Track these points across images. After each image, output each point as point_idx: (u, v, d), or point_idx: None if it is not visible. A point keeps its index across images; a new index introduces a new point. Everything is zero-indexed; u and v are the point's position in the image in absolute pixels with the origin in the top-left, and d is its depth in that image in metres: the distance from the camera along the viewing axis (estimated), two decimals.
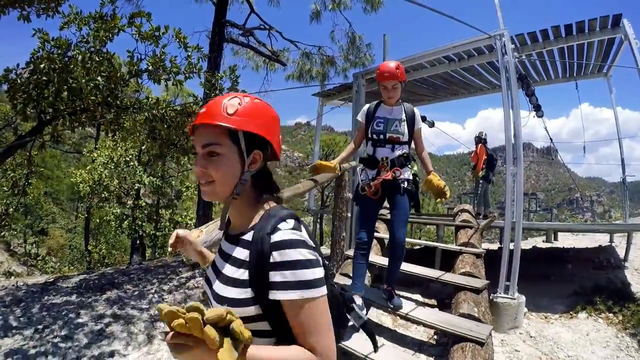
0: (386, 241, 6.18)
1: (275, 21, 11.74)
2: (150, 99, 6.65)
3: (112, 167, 13.10)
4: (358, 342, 3.58)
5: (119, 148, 13.27)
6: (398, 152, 3.81)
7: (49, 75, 5.45)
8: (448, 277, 4.95)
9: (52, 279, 7.21)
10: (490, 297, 5.06)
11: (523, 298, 5.28)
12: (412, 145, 3.99)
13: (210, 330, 0.88)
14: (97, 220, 16.96)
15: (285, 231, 1.10)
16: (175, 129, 6.65)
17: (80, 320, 5.16)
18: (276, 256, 1.06)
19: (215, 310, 0.92)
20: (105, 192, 13.23)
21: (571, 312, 5.81)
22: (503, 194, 6.70)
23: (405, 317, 4.14)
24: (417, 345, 4.43)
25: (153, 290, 6.38)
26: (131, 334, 4.96)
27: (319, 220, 17.53)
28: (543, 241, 11.25)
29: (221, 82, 6.91)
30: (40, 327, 4.92)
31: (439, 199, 3.85)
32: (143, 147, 11.68)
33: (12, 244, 23.29)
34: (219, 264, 1.26)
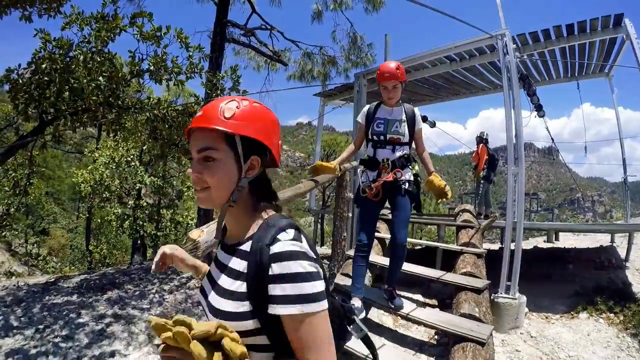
0: (387, 241, 6.18)
1: (277, 21, 11.73)
2: (151, 99, 6.65)
3: (114, 167, 13.11)
4: (359, 342, 3.58)
5: (121, 148, 13.28)
6: (399, 153, 3.80)
7: (50, 75, 5.45)
8: (449, 277, 4.94)
9: (53, 279, 7.22)
10: (491, 297, 5.05)
11: (524, 298, 5.28)
12: (413, 145, 3.97)
13: (195, 347, 0.87)
14: (98, 220, 16.96)
15: (285, 242, 1.05)
16: (177, 129, 6.64)
17: (81, 320, 5.17)
18: (276, 268, 1.01)
19: (203, 325, 0.92)
20: (106, 192, 13.24)
21: (572, 312, 5.80)
22: (504, 194, 6.71)
23: (406, 317, 4.14)
24: (418, 346, 4.43)
25: (154, 290, 6.39)
26: (132, 334, 4.96)
27: (320, 220, 17.54)
28: (544, 241, 11.26)
29: (222, 82, 6.91)
30: (41, 327, 4.93)
31: (440, 200, 3.83)
32: (144, 147, 11.67)
33: (13, 244, 23.31)
34: (215, 274, 1.22)
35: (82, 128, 6.15)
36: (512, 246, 5.36)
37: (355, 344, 3.53)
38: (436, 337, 4.59)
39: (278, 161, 1.26)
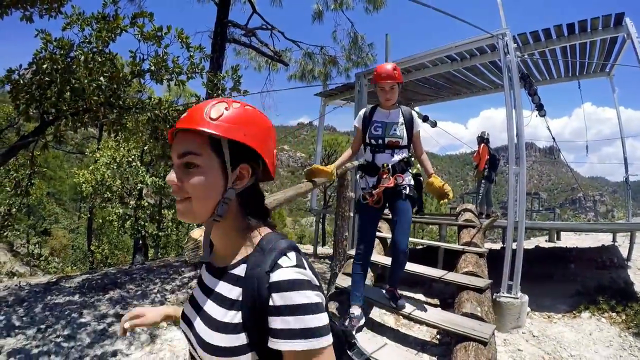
0: (389, 240, 6.17)
1: (278, 21, 11.73)
2: (152, 99, 6.64)
3: (115, 168, 13.10)
4: (361, 341, 3.58)
5: (122, 148, 13.27)
6: (398, 157, 3.74)
7: (51, 75, 5.45)
8: (451, 276, 4.94)
9: (54, 279, 7.24)
10: (493, 297, 5.05)
11: (526, 297, 5.27)
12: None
13: None
14: (100, 221, 16.97)
15: (287, 270, 0.93)
16: None
17: (82, 320, 5.18)
18: (277, 299, 0.90)
19: None
20: (107, 193, 13.23)
21: (574, 312, 5.80)
22: (506, 193, 6.70)
23: (408, 317, 4.13)
24: (420, 345, 4.43)
25: (156, 290, 6.40)
26: (134, 334, 4.96)
27: (321, 220, 17.54)
28: (546, 241, 11.26)
29: (223, 82, 6.91)
30: (43, 326, 4.93)
31: (442, 201, 3.77)
32: (145, 148, 11.69)
33: (15, 244, 23.37)
34: (200, 300, 1.09)
35: (83, 128, 6.14)
36: (514, 246, 5.36)
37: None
38: (438, 336, 4.58)
39: (273, 172, 1.13)
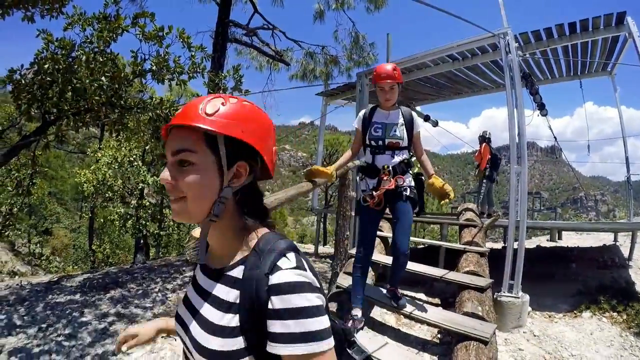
0: (390, 240, 6.18)
1: (279, 21, 11.75)
2: (154, 99, 6.64)
3: (116, 167, 13.10)
4: (362, 341, 3.58)
5: (123, 148, 13.27)
6: (398, 159, 3.71)
7: (53, 75, 5.46)
8: (452, 275, 4.94)
9: (56, 278, 7.25)
10: (494, 296, 5.05)
11: (527, 297, 5.27)
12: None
13: None
14: (101, 220, 17.01)
15: (287, 272, 0.90)
16: None
17: (84, 319, 5.18)
18: (276, 302, 0.86)
19: None
20: (109, 192, 13.23)
21: (575, 311, 5.80)
22: (507, 193, 6.70)
23: (409, 316, 4.14)
24: (420, 344, 4.43)
25: (157, 289, 6.41)
26: None
27: (322, 220, 17.55)
28: (547, 240, 11.26)
29: (225, 81, 6.91)
30: (44, 325, 4.94)
31: (443, 201, 3.70)
32: (147, 147, 11.67)
33: (16, 243, 23.38)
34: (196, 302, 1.05)
35: (84, 128, 6.14)
36: (515, 245, 5.36)
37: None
38: (439, 335, 4.59)
39: (272, 170, 1.09)
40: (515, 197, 5.41)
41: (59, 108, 5.70)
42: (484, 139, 9.81)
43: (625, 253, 7.86)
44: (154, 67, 5.97)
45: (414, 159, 3.91)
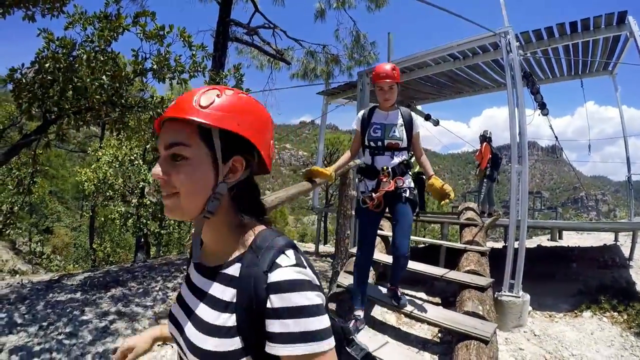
0: (390, 239, 6.19)
1: (280, 20, 11.76)
2: (155, 98, 6.64)
3: (117, 166, 13.11)
4: (363, 340, 3.59)
5: (124, 147, 13.28)
6: (398, 160, 3.67)
7: (54, 74, 5.47)
8: (453, 274, 4.94)
9: (56, 277, 7.25)
10: (495, 296, 5.05)
11: (527, 296, 5.27)
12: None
13: None
14: (102, 219, 16.97)
15: (287, 269, 0.86)
16: None
17: (84, 318, 5.18)
18: (275, 301, 0.83)
19: None
20: (110, 191, 13.24)
21: (576, 311, 5.79)
22: (508, 192, 6.70)
23: (410, 315, 4.14)
24: (421, 344, 4.43)
25: (157, 288, 6.41)
26: (135, 331, 4.98)
27: (323, 219, 17.55)
28: (548, 240, 11.25)
29: (226, 80, 6.91)
30: (44, 324, 4.94)
31: (443, 202, 3.65)
32: (148, 146, 11.70)
33: (17, 242, 23.43)
34: (191, 302, 1.01)
35: (85, 127, 6.15)
36: (516, 244, 5.36)
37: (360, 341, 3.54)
38: (439, 335, 4.58)
39: (269, 165, 1.04)
40: (516, 197, 5.41)
41: (59, 107, 5.70)
42: (485, 138, 9.82)
43: (626, 253, 7.85)
44: (154, 66, 5.98)
45: (413, 159, 3.90)
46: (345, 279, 4.74)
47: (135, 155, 13.32)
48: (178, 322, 1.02)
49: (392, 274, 4.04)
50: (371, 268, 4.52)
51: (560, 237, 11.19)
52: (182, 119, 0.90)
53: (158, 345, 4.96)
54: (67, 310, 5.34)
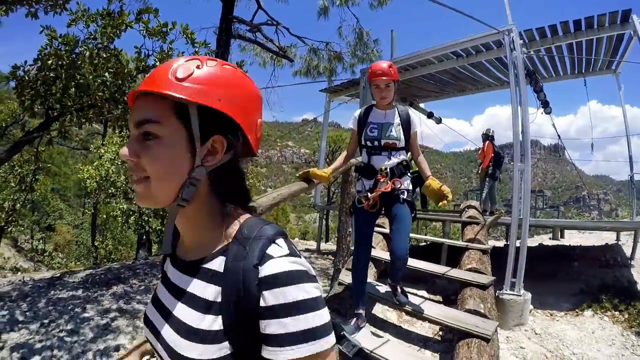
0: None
1: (283, 17, 11.71)
2: None
3: (119, 163, 13.12)
4: (364, 338, 3.59)
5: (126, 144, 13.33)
6: (396, 160, 3.58)
7: (56, 71, 5.48)
8: (454, 272, 4.94)
9: (58, 274, 7.27)
10: (496, 294, 5.05)
11: (529, 295, 5.27)
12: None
13: None
14: (104, 216, 17.03)
15: (280, 260, 0.75)
16: None
17: (86, 315, 5.20)
18: (270, 298, 0.72)
19: None
20: (112, 188, 13.27)
21: (577, 310, 5.79)
22: (510, 191, 6.69)
23: (411, 313, 4.14)
24: (422, 341, 4.43)
25: None
26: (137, 328, 4.98)
27: (325, 216, 17.56)
28: (549, 238, 11.23)
29: None
30: (46, 321, 4.95)
31: (440, 203, 3.53)
32: None
33: (19, 240, 23.52)
34: (168, 303, 0.88)
35: (88, 124, 6.17)
36: (518, 243, 5.36)
37: (361, 340, 3.54)
38: (441, 333, 4.59)
39: (256, 147, 0.91)
40: (518, 195, 5.40)
41: (62, 104, 5.72)
42: (487, 136, 9.80)
43: (628, 252, 7.83)
44: (157, 63, 5.98)
45: (412, 161, 3.85)
46: (347, 277, 4.73)
47: None
48: (154, 325, 0.89)
49: (391, 273, 4.01)
50: (372, 266, 4.52)
51: (562, 236, 11.17)
52: (156, 93, 0.78)
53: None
54: (69, 308, 5.36)
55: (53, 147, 6.82)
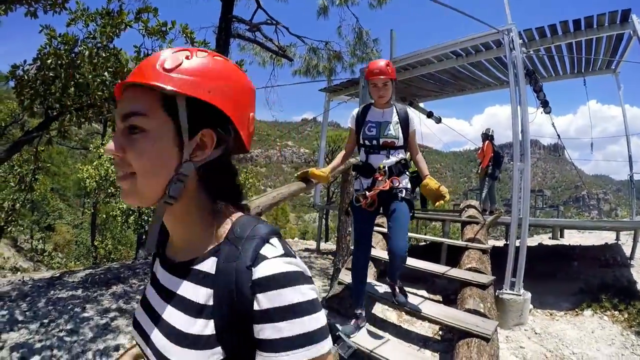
0: None
1: (282, 16, 11.69)
2: None
3: None
4: (364, 337, 3.60)
5: None
6: (394, 158, 3.56)
7: (56, 71, 5.47)
8: (454, 272, 4.94)
9: (58, 274, 7.26)
10: (496, 294, 5.05)
11: (529, 295, 5.28)
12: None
13: None
14: (104, 216, 17.04)
15: (275, 261, 0.72)
16: None
17: (85, 315, 5.19)
18: (264, 301, 0.69)
19: None
20: (111, 188, 13.24)
21: (577, 310, 5.79)
22: (509, 190, 6.70)
23: (411, 313, 4.14)
24: (422, 341, 4.43)
25: None
26: None
27: (324, 216, 17.55)
28: (549, 238, 11.23)
29: None
30: (46, 321, 4.95)
31: (437, 203, 3.54)
32: None
33: (18, 239, 23.51)
34: (157, 305, 0.84)
35: (87, 124, 6.17)
36: (517, 243, 5.36)
37: (361, 340, 3.54)
38: (440, 332, 4.58)
39: (248, 143, 0.88)
40: (517, 195, 5.41)
41: (61, 103, 5.71)
42: (487, 136, 9.81)
43: (627, 252, 7.84)
44: None
45: (411, 161, 3.84)
46: (347, 276, 4.73)
47: None
48: (143, 329, 0.86)
49: (390, 273, 4.00)
50: (372, 265, 4.51)
51: (562, 236, 11.17)
52: (143, 84, 0.75)
53: None
54: (68, 308, 5.35)
55: (52, 147, 6.82)
